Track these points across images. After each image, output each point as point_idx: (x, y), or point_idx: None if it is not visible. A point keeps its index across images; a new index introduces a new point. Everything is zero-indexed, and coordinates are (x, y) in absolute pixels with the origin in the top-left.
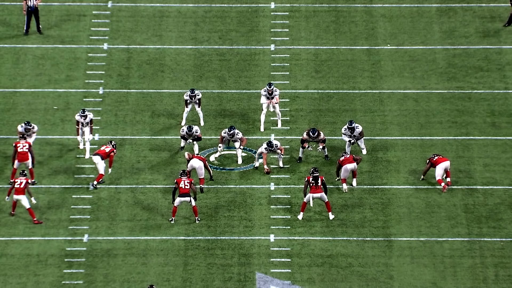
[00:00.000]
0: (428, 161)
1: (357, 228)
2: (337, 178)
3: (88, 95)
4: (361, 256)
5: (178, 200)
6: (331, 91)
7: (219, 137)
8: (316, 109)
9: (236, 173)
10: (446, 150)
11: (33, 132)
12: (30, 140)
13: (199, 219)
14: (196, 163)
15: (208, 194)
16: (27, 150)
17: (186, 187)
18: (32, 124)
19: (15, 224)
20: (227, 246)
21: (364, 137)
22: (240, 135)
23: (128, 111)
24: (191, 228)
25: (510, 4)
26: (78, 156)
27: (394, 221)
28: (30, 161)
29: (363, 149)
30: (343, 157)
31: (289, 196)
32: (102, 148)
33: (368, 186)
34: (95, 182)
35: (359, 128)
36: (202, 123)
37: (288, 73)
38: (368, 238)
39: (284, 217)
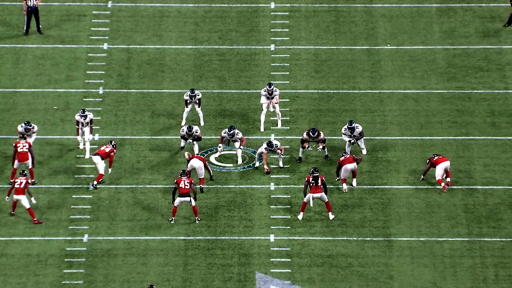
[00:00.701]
0: (428, 161)
1: (357, 228)
2: (337, 178)
3: (88, 95)
4: (361, 256)
5: (178, 200)
6: (331, 91)
7: (219, 137)
8: (316, 109)
9: (236, 173)
10: (446, 150)
11: (33, 132)
12: (30, 140)
13: (199, 219)
14: (196, 163)
15: (208, 194)
16: (27, 150)
17: (186, 187)
18: (32, 124)
19: (15, 224)
20: (227, 246)
21: (364, 137)
22: (240, 135)
23: (128, 111)
24: (191, 228)
25: (510, 4)
26: (78, 156)
27: (394, 221)
28: (30, 161)
29: (363, 149)
30: (343, 157)
31: (289, 196)
32: (102, 148)
33: (368, 186)
34: (95, 182)
35: (359, 128)
36: (202, 123)
37: (288, 73)
38: (368, 238)
39: (284, 217)
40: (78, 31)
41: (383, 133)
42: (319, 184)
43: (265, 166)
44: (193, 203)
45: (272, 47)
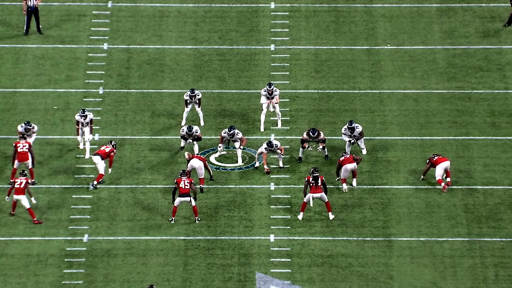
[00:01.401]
0: (428, 161)
1: (357, 228)
2: (337, 178)
3: (88, 95)
4: (361, 256)
5: (178, 200)
6: (331, 91)
7: (219, 137)
8: (316, 109)
9: (236, 173)
10: (446, 150)
11: (33, 132)
12: (30, 140)
13: (199, 219)
14: (196, 163)
15: (208, 194)
16: (27, 150)
17: (186, 187)
18: (32, 124)
19: (15, 224)
20: (227, 246)
21: (364, 137)
22: (240, 135)
23: (128, 111)
24: (191, 228)
25: (510, 4)
26: (78, 156)
27: (394, 221)
28: (30, 161)
29: (363, 149)
30: (343, 157)
31: (289, 196)
32: (102, 148)
33: (368, 186)
34: (95, 182)
35: (359, 128)
36: (202, 123)
37: (288, 73)
38: (368, 238)
39: (284, 217)
40: (78, 31)
41: (383, 133)
42: (319, 184)
43: (265, 166)
44: (193, 203)
45: (272, 47)
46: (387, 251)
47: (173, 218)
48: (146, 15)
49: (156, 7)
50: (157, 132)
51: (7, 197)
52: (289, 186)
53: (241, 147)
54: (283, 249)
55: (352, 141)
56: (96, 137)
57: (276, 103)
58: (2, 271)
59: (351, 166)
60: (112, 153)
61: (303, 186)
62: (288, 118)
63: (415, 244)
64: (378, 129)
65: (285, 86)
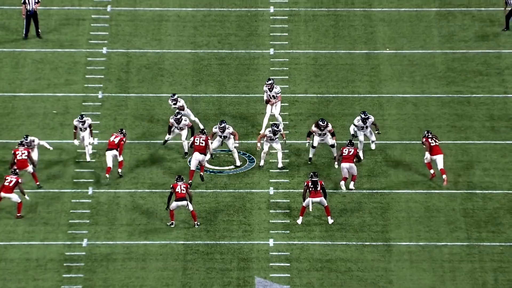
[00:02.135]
0: (423, 142)
1: (356, 233)
2: (336, 163)
3: (87, 99)
4: (360, 260)
5: (175, 204)
6: (330, 95)
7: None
8: (315, 113)
9: (235, 177)
10: (445, 154)
11: (34, 146)
12: (34, 154)
13: (198, 223)
14: (199, 156)
15: (207, 198)
16: (26, 157)
17: (182, 191)
18: (31, 138)
19: (14, 228)
20: (226, 251)
21: (365, 141)
22: (231, 129)
23: (127, 116)
24: (190, 232)
25: (504, 8)
26: (77, 160)
27: (393, 225)
28: (30, 167)
29: (373, 142)
30: (346, 151)
31: (288, 200)
32: (111, 139)
33: (367, 191)
34: (107, 175)
35: (371, 118)
36: (201, 126)
37: (287, 77)
38: (367, 243)
39: (283, 221)
40: (77, 35)
41: (382, 137)
42: (318, 188)
43: (258, 144)
44: (191, 207)
45: (271, 51)
46: (386, 256)
47: (173, 221)
48: (145, 19)
49: (155, 11)
50: (156, 137)
51: None
52: (288, 190)
53: (235, 143)
54: (282, 253)
55: (354, 135)
56: (95, 141)
57: (278, 100)
58: (1, 276)
59: (346, 165)
60: (122, 142)
61: (302, 190)
62: (287, 122)
63: (414, 248)
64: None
65: (284, 90)
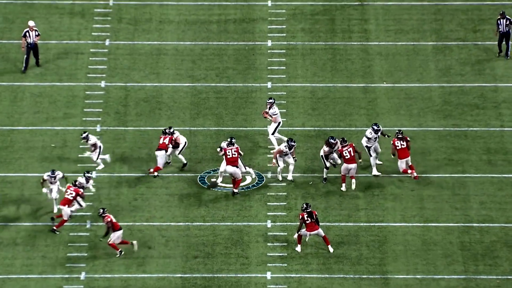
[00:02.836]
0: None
1: (353, 266)
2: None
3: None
4: None
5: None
6: (328, 128)
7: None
8: (312, 146)
9: (232, 210)
10: (442, 187)
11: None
12: (55, 188)
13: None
14: (230, 169)
15: (205, 231)
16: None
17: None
18: (57, 172)
19: (12, 262)
20: (224, 284)
21: (360, 174)
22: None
23: (126, 149)
24: (187, 265)
25: (496, 30)
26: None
27: (391, 258)
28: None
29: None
30: (347, 152)
31: (286, 233)
32: (161, 141)
33: (365, 224)
34: (153, 170)
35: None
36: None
37: (285, 110)
38: (365, 276)
39: (281, 254)
40: (76, 68)
41: (380, 170)
42: (314, 219)
43: (274, 161)
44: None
45: (269, 84)
46: None
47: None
48: (143, 53)
49: (153, 45)
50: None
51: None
52: (285, 223)
53: (248, 169)
54: (279, 286)
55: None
56: (94, 174)
57: (272, 121)
58: None
59: (352, 166)
60: (171, 140)
61: (298, 223)
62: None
63: (411, 281)
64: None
65: (282, 124)
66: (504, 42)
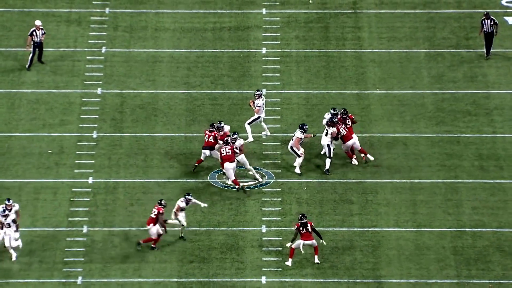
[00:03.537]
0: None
1: (347, 270)
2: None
3: (82, 139)
4: None
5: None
6: (321, 135)
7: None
8: (306, 152)
9: (228, 215)
10: (435, 193)
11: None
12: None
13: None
14: (230, 165)
15: (200, 236)
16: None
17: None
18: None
19: (9, 266)
20: None
21: (355, 180)
22: (241, 141)
23: (122, 155)
24: (183, 270)
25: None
26: (72, 199)
27: (384, 263)
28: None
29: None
30: (342, 129)
31: (281, 238)
32: (206, 139)
33: (358, 229)
34: (195, 164)
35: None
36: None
37: (279, 117)
38: (359, 280)
39: (275, 259)
40: (72, 76)
41: (373, 176)
42: (310, 230)
43: (302, 150)
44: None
45: (264, 91)
46: None
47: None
48: (139, 60)
49: (149, 52)
50: (150, 175)
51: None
52: (280, 228)
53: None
54: None
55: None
56: (90, 180)
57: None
58: None
59: (351, 142)
60: (215, 137)
61: (294, 233)
62: (279, 161)
63: (404, 286)
64: (368, 172)
65: (276, 130)
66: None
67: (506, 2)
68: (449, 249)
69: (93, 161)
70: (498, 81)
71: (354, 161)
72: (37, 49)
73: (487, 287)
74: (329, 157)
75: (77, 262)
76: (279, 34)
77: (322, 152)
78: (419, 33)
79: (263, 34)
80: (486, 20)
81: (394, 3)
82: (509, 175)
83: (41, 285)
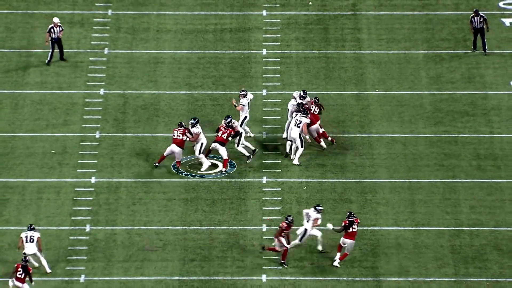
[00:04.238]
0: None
1: (347, 268)
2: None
3: (85, 139)
4: None
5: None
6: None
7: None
8: (307, 152)
9: (229, 214)
10: (433, 192)
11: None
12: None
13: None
14: (175, 148)
15: (201, 235)
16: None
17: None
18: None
19: (13, 265)
20: (220, 286)
21: (354, 179)
22: (236, 123)
23: (124, 155)
24: (185, 268)
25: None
26: (74, 198)
27: (383, 261)
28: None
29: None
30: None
31: None
32: (219, 135)
33: (358, 228)
34: (224, 169)
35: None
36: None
37: (279, 117)
38: (358, 278)
39: (276, 257)
40: (75, 77)
41: (372, 176)
42: (355, 228)
43: (308, 136)
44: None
45: (264, 92)
46: None
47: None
48: (141, 62)
49: (151, 54)
50: (152, 175)
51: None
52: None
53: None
54: None
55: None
56: (93, 180)
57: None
58: None
59: (315, 126)
60: (229, 134)
61: (340, 229)
62: (279, 161)
63: (403, 284)
64: (367, 172)
65: (277, 130)
66: (479, 38)
67: (503, 4)
68: (447, 248)
69: (95, 161)
70: (496, 82)
71: (323, 145)
72: (56, 45)
73: (485, 285)
74: (302, 147)
75: (80, 260)
76: (279, 35)
77: (286, 140)
78: (418, 35)
79: (264, 36)
80: (475, 17)
81: (393, 5)
82: (506, 175)
83: (44, 283)
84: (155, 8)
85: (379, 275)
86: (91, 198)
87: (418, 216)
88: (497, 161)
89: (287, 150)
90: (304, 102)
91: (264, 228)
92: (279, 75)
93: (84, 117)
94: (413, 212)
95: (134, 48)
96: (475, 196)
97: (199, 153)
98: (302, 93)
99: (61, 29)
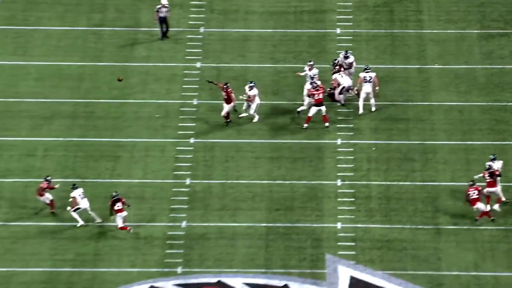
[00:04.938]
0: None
1: (410, 218)
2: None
3: (184, 105)
4: (414, 241)
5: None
6: (388, 103)
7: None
8: (376, 118)
9: (308, 171)
10: (485, 153)
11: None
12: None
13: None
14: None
15: (285, 188)
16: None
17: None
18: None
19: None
20: (301, 232)
21: (415, 141)
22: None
23: (218, 119)
24: (271, 216)
25: None
26: (176, 156)
27: (442, 212)
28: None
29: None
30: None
31: (354, 190)
32: (316, 96)
33: (419, 183)
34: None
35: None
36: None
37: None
38: (420, 226)
39: (349, 208)
40: (176, 52)
41: (432, 139)
42: (494, 178)
43: (355, 89)
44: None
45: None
46: (436, 237)
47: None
48: (232, 39)
49: (240, 32)
50: (242, 137)
51: None
52: (353, 182)
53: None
54: (348, 234)
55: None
56: (192, 140)
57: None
58: (115, 251)
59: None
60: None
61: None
62: (351, 125)
63: (459, 231)
64: (428, 135)
65: (351, 99)
66: None
67: None
68: (494, 200)
69: (194, 124)
70: None
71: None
72: (163, 24)
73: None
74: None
75: (181, 209)
76: (351, 16)
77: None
78: (472, 16)
79: (337, 17)
80: None
81: None
82: None
83: (152, 228)
84: None
85: (438, 223)
86: (190, 156)
87: (472, 173)
88: None
89: (361, 110)
90: (346, 62)
91: (339, 182)
92: (351, 52)
93: (183, 86)
94: (468, 170)
95: (226, 27)
96: None
97: (254, 112)
98: (344, 53)
99: (167, 9)
